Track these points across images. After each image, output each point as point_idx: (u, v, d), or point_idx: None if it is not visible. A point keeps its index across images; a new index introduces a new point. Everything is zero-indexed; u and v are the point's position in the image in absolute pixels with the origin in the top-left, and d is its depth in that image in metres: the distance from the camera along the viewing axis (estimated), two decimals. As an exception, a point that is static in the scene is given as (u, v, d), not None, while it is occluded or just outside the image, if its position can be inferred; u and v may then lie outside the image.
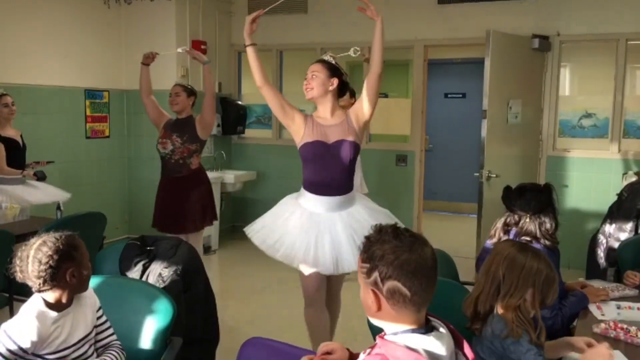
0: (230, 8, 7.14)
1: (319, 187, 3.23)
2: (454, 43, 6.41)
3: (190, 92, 4.62)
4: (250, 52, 3.21)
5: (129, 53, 6.58)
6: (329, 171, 3.22)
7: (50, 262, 1.90)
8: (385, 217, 3.29)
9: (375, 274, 1.45)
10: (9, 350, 1.90)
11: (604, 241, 4.48)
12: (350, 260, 3.10)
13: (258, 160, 7.20)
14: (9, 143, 4.62)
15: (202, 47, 6.54)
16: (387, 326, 1.49)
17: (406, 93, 7.70)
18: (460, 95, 8.96)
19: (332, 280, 3.40)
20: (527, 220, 2.73)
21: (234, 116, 7.04)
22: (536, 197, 2.75)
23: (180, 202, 4.50)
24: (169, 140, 4.51)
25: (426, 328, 1.47)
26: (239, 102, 7.21)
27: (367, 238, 1.51)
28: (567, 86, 6.22)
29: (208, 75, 4.57)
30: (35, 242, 1.94)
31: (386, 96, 7.30)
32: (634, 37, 5.58)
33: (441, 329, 1.49)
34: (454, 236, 6.23)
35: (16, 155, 4.68)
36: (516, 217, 2.77)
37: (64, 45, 5.90)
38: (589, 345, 2.02)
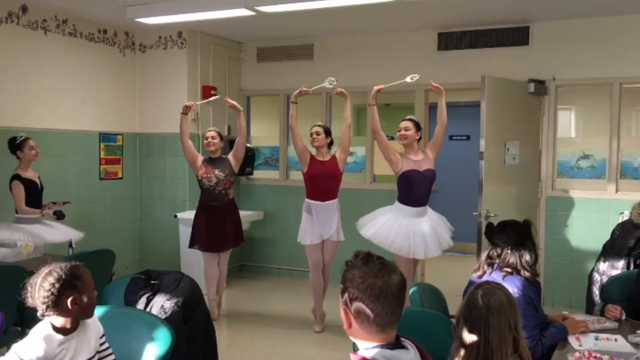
0: (239, 55, 7.46)
1: (410, 201, 4.71)
2: (453, 87, 6.59)
3: (222, 137, 5.49)
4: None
5: (143, 98, 6.90)
6: (419, 189, 4.71)
7: (53, 289, 2.09)
8: (442, 221, 4.90)
9: (346, 295, 1.65)
10: (18, 370, 2.07)
11: (599, 279, 4.57)
12: (435, 247, 4.68)
13: (265, 201, 7.39)
14: (28, 184, 4.87)
15: (212, 92, 6.83)
16: (359, 343, 1.67)
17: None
18: (465, 137, 9.14)
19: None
20: (509, 252, 2.87)
21: (243, 158, 7.25)
22: (516, 231, 2.91)
23: (221, 226, 5.38)
24: (212, 175, 5.31)
25: (393, 345, 1.64)
26: (248, 145, 7.44)
27: (346, 262, 1.70)
28: (564, 128, 6.37)
29: (241, 121, 5.37)
30: (44, 271, 2.14)
31: (392, 138, 7.50)
32: (627, 81, 5.76)
33: (409, 347, 1.66)
34: (455, 275, 6.25)
35: (34, 195, 4.93)
36: (498, 250, 2.92)
37: (81, 91, 6.21)
38: None
